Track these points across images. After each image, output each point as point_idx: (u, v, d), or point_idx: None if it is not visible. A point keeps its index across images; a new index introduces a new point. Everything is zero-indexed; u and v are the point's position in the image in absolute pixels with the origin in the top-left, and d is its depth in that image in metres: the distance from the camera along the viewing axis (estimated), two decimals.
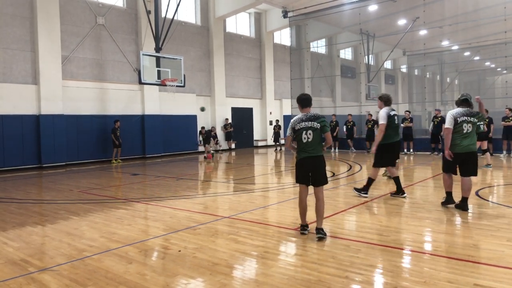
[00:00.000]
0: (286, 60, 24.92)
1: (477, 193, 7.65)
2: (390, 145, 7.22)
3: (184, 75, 14.21)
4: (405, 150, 16.36)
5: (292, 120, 5.09)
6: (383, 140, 7.16)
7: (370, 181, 7.39)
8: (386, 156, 7.27)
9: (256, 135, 23.56)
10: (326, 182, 5.06)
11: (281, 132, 20.93)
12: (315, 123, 4.96)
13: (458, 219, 5.93)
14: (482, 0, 20.88)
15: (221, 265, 4.07)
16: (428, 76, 39.00)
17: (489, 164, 11.41)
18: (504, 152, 14.57)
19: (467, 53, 35.10)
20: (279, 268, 3.98)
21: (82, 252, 4.59)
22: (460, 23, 23.31)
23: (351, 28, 26.00)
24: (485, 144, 11.96)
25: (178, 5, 14.70)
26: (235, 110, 22.05)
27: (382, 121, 7.10)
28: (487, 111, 14.51)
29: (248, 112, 23.22)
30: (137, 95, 17.26)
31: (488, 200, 7.16)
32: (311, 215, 5.38)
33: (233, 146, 21.38)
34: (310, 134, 4.94)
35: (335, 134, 18.39)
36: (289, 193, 8.30)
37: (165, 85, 13.69)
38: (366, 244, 4.62)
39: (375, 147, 7.23)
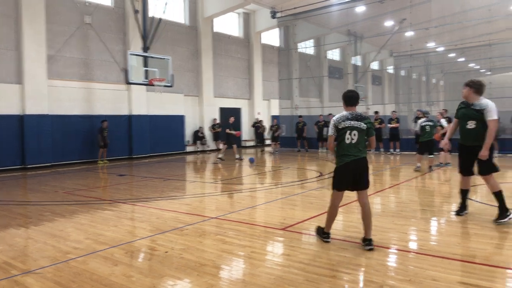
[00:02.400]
0: (274, 60, 24.97)
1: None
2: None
3: (172, 75, 14.13)
4: (391, 150, 16.53)
5: (334, 118, 4.62)
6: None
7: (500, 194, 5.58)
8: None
9: (245, 135, 23.54)
10: (368, 186, 4.67)
11: (265, 133, 21.12)
12: (362, 123, 4.53)
13: (443, 218, 6.02)
14: (467, 2, 21.21)
15: (208, 266, 4.06)
16: (414, 77, 39.51)
17: (448, 163, 11.58)
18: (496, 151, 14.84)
19: (452, 55, 35.66)
20: (266, 268, 3.99)
21: (67, 254, 4.53)
22: (446, 25, 23.65)
23: (339, 29, 26.22)
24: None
25: (166, 5, 14.60)
26: (223, 111, 22.00)
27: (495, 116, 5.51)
28: (446, 111, 14.90)
29: (237, 112, 23.19)
30: (124, 95, 17.09)
31: (472, 199, 7.27)
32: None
33: (220, 146, 21.32)
34: (355, 135, 4.51)
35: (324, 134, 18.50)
36: (277, 193, 8.32)
37: (153, 85, 13.60)
38: (353, 244, 4.65)
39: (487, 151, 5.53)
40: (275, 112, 24.26)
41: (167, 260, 4.25)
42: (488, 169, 5.55)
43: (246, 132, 23.57)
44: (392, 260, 4.22)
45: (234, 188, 9.07)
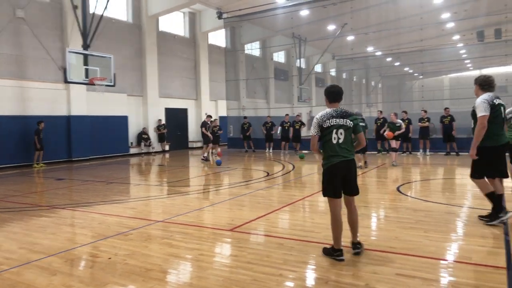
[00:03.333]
0: (221, 61, 24.91)
1: (398, 189, 8.25)
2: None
3: (115, 74, 13.59)
4: None
5: (318, 116, 4.22)
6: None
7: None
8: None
9: (191, 136, 23.24)
10: (357, 192, 4.32)
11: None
12: (347, 120, 4.15)
13: (381, 214, 6.36)
14: (401, 10, 22.55)
15: (155, 271, 3.96)
16: (355, 79, 41.34)
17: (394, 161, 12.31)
18: (421, 150, 15.89)
19: (389, 59, 37.76)
20: (214, 270, 3.97)
21: None
22: (383, 31, 25.00)
23: (284, 32, 26.73)
24: (393, 143, 12.59)
25: (108, 1, 14.02)
26: (169, 111, 21.56)
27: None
28: (406, 113, 15.86)
29: (183, 113, 22.84)
30: (62, 94, 16.16)
31: (407, 195, 7.75)
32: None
33: (166, 148, 20.88)
34: (341, 133, 4.13)
35: (273, 133, 18.74)
36: (224, 194, 8.31)
37: (94, 84, 12.99)
38: (299, 242, 4.77)
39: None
40: (223, 113, 24.24)
41: (110, 267, 4.09)
42: (471, 171, 5.33)
43: (193, 133, 23.29)
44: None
45: (181, 191, 8.93)
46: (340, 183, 4.19)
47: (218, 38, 25.59)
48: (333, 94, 4.28)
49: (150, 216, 6.48)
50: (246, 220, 5.83)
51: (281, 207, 6.70)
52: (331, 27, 26.50)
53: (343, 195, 4.27)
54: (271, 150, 18.68)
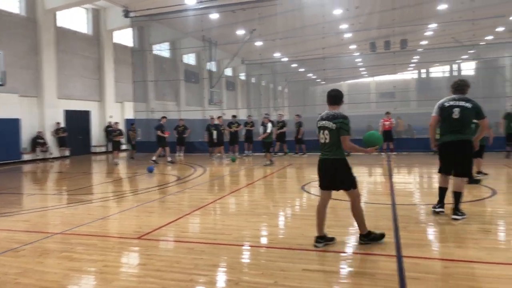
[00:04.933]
0: (128, 61, 23.78)
1: (302, 187, 8.70)
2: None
3: (4, 72, 12.19)
4: (246, 152, 17.43)
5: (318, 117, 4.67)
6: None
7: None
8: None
9: (95, 141, 21.78)
10: (353, 187, 4.50)
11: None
12: (331, 123, 4.43)
13: (288, 212, 6.65)
14: (306, 19, 23.91)
15: None
16: (263, 84, 42.71)
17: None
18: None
19: (294, 65, 39.74)
20: (121, 281, 3.77)
21: None
22: (289, 38, 26.23)
23: (194, 34, 26.54)
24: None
25: None
26: (69, 113, 19.94)
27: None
28: (299, 116, 17.01)
29: (85, 115, 21.30)
30: None
31: (311, 193, 8.21)
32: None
33: (66, 153, 19.24)
34: (327, 134, 4.47)
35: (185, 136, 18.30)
36: (132, 201, 7.94)
37: None
38: (210, 245, 4.75)
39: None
40: (130, 115, 23.14)
41: None
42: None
43: (97, 137, 21.87)
44: (246, 256, 4.46)
45: (83, 199, 8.30)
46: (325, 178, 4.57)
47: (125, 37, 24.42)
48: (328, 98, 4.61)
49: (46, 229, 5.91)
50: (155, 226, 5.64)
51: (191, 211, 6.62)
52: (240, 32, 27.02)
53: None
54: (182, 154, 18.33)
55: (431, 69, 49.76)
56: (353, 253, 4.40)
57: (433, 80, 48.75)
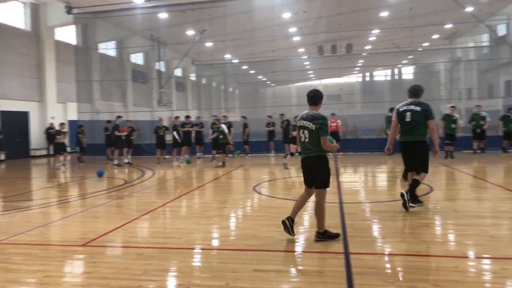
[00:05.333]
0: (71, 60, 22.63)
1: (254, 188, 8.77)
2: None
3: None
4: (197, 154, 17.21)
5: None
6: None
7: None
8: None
9: (34, 143, 20.49)
10: (323, 186, 4.65)
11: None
12: (310, 123, 4.59)
13: (240, 213, 6.67)
14: (256, 21, 24.17)
15: None
16: (214, 85, 42.53)
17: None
18: (273, 152, 17.18)
19: (245, 67, 39.98)
20: None
21: None
22: (240, 39, 26.34)
23: (142, 33, 25.88)
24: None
25: None
26: (5, 114, 18.61)
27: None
28: (245, 118, 17.13)
29: (23, 116, 19.98)
30: None
31: (262, 194, 8.31)
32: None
33: (1, 157, 17.92)
34: (306, 134, 4.65)
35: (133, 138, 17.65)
36: (76, 207, 7.56)
37: None
38: (159, 249, 4.64)
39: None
40: (73, 116, 22.05)
41: None
42: None
43: (37, 140, 20.59)
44: (197, 260, 4.41)
45: (21, 206, 7.77)
46: (305, 175, 4.78)
47: (68, 34, 23.22)
48: (307, 98, 4.79)
49: None
50: (101, 232, 5.41)
51: (140, 216, 6.43)
52: (190, 32, 26.72)
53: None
54: (129, 156, 17.71)
55: (374, 73, 52.27)
56: (303, 251, 4.51)
57: (377, 83, 51.27)
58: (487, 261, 4.04)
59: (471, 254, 4.30)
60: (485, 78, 33.18)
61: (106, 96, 26.06)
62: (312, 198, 4.89)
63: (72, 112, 22.20)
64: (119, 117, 15.40)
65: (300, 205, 4.87)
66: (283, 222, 4.76)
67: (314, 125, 4.58)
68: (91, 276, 3.90)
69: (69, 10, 19.71)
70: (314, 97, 4.77)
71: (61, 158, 14.33)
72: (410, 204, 5.97)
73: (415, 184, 6.10)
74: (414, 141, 6.07)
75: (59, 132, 14.80)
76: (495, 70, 30.97)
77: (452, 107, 14.41)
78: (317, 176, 4.69)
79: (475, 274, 3.76)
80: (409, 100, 6.22)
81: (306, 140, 4.68)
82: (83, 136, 16.91)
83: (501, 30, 30.34)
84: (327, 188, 4.73)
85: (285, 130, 16.18)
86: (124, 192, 8.91)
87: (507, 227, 5.25)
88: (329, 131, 4.76)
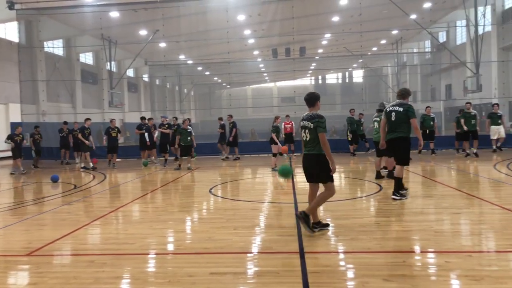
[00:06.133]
0: (13, 58, 21.28)
1: (210, 191, 8.71)
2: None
3: None
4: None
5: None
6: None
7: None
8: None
9: None
10: (325, 180, 5.00)
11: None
12: (309, 123, 5.01)
13: (195, 216, 6.60)
14: (210, 23, 24.03)
15: None
16: (168, 86, 41.76)
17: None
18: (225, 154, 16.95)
19: (200, 68, 39.62)
20: None
21: None
22: (194, 40, 26.07)
23: (92, 32, 24.89)
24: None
25: None
26: None
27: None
28: (220, 119, 16.91)
29: None
30: None
31: (218, 196, 8.27)
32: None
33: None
34: (307, 133, 5.06)
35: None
36: (19, 214, 7.12)
37: None
38: (112, 256, 4.48)
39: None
40: (16, 118, 20.73)
41: None
42: None
43: None
44: (152, 265, 4.30)
45: None
46: (306, 171, 5.14)
47: (9, 31, 21.82)
48: (305, 101, 5.19)
49: None
50: (48, 241, 5.13)
51: (90, 222, 6.17)
52: (143, 32, 26.07)
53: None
54: (79, 160, 16.96)
55: (326, 76, 53.78)
56: (259, 252, 4.54)
57: (328, 85, 52.80)
58: (432, 255, 4.28)
59: (417, 248, 4.54)
60: (428, 81, 35.24)
61: (53, 97, 24.78)
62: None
63: (15, 114, 20.87)
64: (88, 119, 14.78)
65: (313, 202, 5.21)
66: (300, 218, 4.98)
67: (312, 124, 5.00)
68: (36, 287, 3.69)
69: (11, 5, 18.56)
70: (310, 99, 5.17)
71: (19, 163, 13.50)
72: (393, 197, 6.92)
73: (398, 181, 6.91)
74: (396, 137, 6.88)
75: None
76: (437, 74, 32.98)
77: (428, 107, 15.67)
78: (318, 172, 5.05)
79: (421, 267, 3.97)
80: (397, 101, 7.03)
81: (307, 138, 5.09)
82: (40, 139, 15.78)
83: (442, 37, 32.39)
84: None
85: (230, 131, 16.21)
86: (72, 198, 8.52)
87: (449, 222, 5.60)
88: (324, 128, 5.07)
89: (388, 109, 7.06)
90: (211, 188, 9.10)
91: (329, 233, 5.28)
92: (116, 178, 11.85)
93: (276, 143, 12.21)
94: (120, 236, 5.46)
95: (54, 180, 10.83)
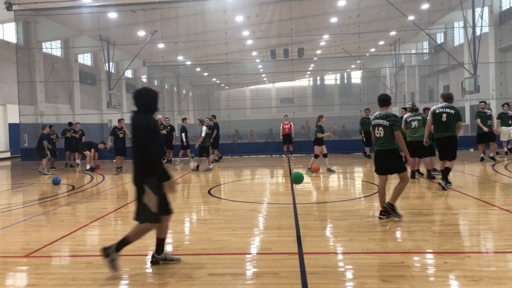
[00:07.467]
0: (11, 59, 21.25)
1: (209, 192, 8.71)
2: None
3: None
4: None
5: (372, 116, 5.82)
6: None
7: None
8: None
9: None
10: (400, 171, 5.57)
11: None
12: (384, 121, 5.52)
13: (194, 217, 6.59)
14: (208, 24, 24.02)
15: None
16: (167, 87, 41.72)
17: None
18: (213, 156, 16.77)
19: (198, 69, 39.58)
20: None
21: None
22: (192, 41, 26.06)
23: (90, 33, 24.87)
24: None
25: None
26: None
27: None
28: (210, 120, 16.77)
29: None
30: None
31: (217, 197, 8.27)
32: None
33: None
34: (381, 130, 5.55)
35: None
36: (17, 215, 7.10)
37: None
38: None
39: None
40: (15, 119, 20.71)
41: None
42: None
43: None
44: (149, 266, 4.29)
45: None
46: (380, 165, 5.66)
47: (7, 32, 21.79)
48: (379, 101, 5.69)
49: None
50: (46, 242, 5.12)
51: (89, 223, 6.16)
52: (141, 33, 26.05)
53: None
54: (79, 161, 16.91)
55: (325, 77, 53.81)
56: (258, 253, 4.53)
57: (327, 86, 52.82)
58: (430, 256, 4.29)
59: (415, 249, 4.54)
60: (426, 82, 35.30)
61: (51, 98, 24.74)
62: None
63: (13, 115, 20.84)
64: (78, 123, 14.76)
65: (383, 193, 5.73)
66: (380, 218, 5.62)
67: (388, 122, 5.50)
68: None
69: (9, 6, 18.53)
70: (385, 100, 5.69)
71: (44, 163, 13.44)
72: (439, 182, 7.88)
73: (447, 170, 7.72)
74: (448, 136, 7.69)
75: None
76: (434, 75, 33.04)
77: (482, 102, 13.22)
78: (392, 165, 5.58)
79: (420, 268, 3.98)
80: (443, 103, 7.79)
81: (381, 135, 5.56)
82: (56, 139, 15.22)
83: (439, 38, 32.47)
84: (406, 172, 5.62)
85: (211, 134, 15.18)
86: (71, 199, 8.50)
87: (447, 223, 5.61)
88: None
89: (437, 111, 7.75)
90: (210, 189, 9.09)
91: (328, 233, 5.29)
92: (114, 179, 11.82)
93: (321, 144, 11.31)
94: (119, 237, 5.39)
95: (56, 182, 10.68)
